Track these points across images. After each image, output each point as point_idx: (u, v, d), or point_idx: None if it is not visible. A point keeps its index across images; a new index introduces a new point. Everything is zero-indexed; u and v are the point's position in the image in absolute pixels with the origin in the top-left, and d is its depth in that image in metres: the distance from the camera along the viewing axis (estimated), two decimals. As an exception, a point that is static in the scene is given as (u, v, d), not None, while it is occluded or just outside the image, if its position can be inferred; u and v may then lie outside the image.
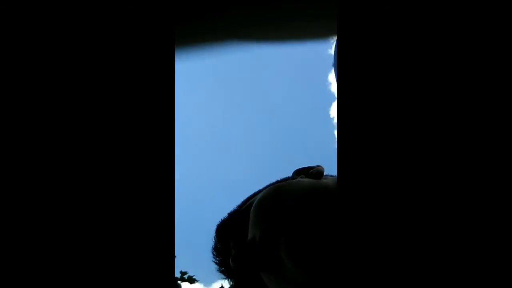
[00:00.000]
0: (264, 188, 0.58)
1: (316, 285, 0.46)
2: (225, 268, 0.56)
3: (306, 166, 0.59)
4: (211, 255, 0.58)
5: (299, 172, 0.59)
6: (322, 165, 0.58)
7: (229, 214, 0.59)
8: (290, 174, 0.59)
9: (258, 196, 0.55)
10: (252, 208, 0.53)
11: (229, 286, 0.55)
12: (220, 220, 0.59)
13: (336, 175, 0.52)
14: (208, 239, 0.58)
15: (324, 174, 0.57)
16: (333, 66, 0.55)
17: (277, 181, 0.59)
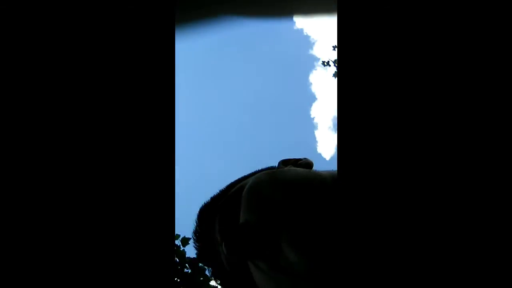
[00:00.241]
0: (252, 174, 0.56)
1: (315, 276, 0.46)
2: (206, 254, 0.55)
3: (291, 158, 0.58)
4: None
5: (286, 162, 0.58)
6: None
7: (212, 198, 0.57)
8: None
9: (250, 181, 0.53)
10: (246, 192, 0.51)
11: (209, 273, 0.55)
12: (203, 204, 0.58)
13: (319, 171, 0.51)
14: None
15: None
16: None
17: (263, 169, 0.57)
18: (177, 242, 4.68)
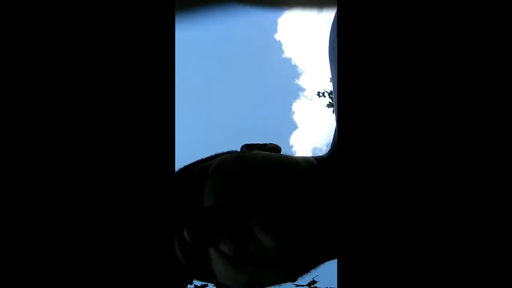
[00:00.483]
0: (211, 158, 0.53)
1: (287, 262, 0.45)
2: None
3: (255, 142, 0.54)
4: None
5: (250, 147, 0.54)
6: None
7: None
8: None
9: (215, 163, 0.49)
10: (211, 174, 0.48)
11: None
12: None
13: None
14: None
15: None
16: (329, 57, 0.53)
17: (224, 153, 0.54)
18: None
